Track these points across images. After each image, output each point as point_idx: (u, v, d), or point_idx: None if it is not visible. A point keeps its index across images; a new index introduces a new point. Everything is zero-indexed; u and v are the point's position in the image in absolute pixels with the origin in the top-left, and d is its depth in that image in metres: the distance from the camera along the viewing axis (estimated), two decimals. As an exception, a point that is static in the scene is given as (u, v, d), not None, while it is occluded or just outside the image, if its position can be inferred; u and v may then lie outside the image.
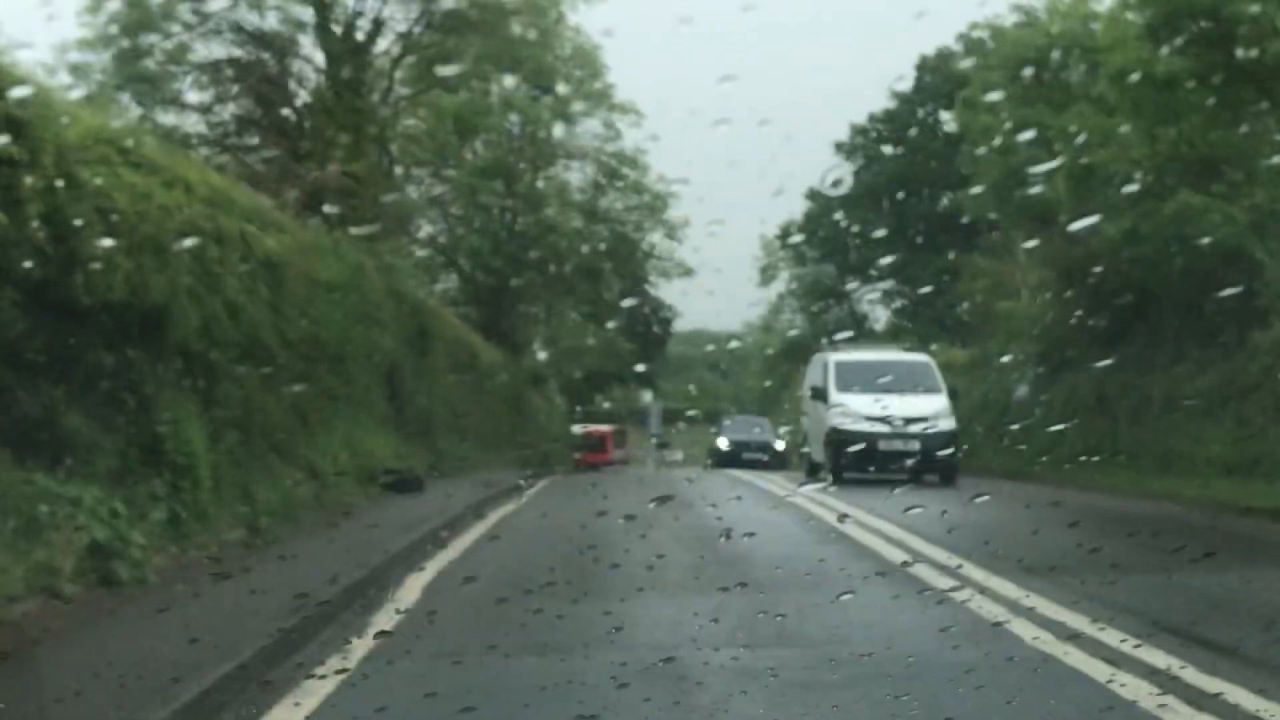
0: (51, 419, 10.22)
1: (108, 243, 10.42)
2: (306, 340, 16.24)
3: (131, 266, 10.75)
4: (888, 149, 71.20)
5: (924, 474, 24.16)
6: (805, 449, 46.62)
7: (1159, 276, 26.45)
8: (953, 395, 26.05)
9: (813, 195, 73.23)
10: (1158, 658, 7.98)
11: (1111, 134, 25.89)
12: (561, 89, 37.79)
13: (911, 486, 22.96)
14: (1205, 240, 21.94)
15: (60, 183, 9.89)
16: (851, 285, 74.58)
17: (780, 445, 46.56)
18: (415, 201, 38.91)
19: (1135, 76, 23.64)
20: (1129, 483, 23.15)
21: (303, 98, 23.97)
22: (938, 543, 13.26)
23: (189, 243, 10.61)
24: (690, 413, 64.78)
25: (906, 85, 68.88)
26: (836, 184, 62.55)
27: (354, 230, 19.58)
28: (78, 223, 9.78)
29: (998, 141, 36.33)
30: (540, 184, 44.77)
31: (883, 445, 23.78)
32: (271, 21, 24.07)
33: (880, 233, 68.35)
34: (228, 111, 23.93)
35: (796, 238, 70.36)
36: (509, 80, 33.09)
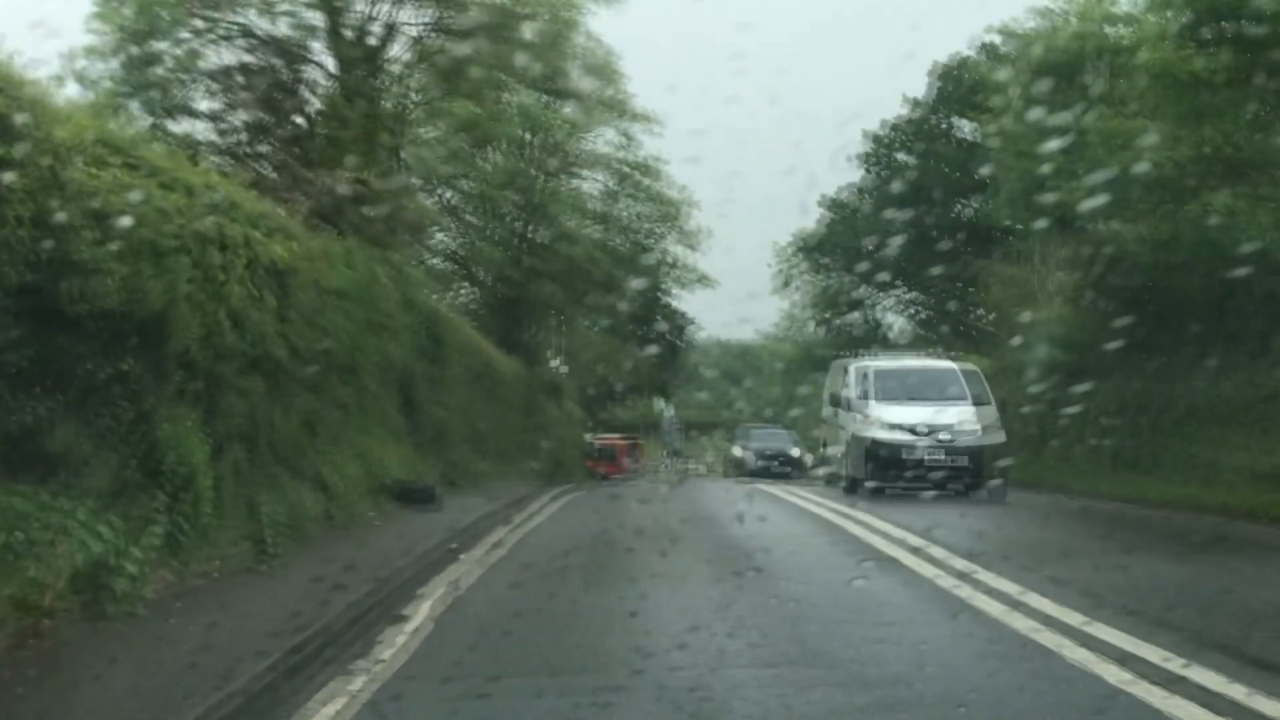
0: (41, 433, 9.70)
1: (112, 246, 9.93)
2: (315, 350, 15.67)
3: (126, 272, 10.21)
4: (904, 157, 70.82)
5: (971, 489, 23.16)
6: (823, 455, 46.28)
7: (1185, 281, 25.81)
8: (984, 403, 24.95)
9: (830, 204, 72.81)
10: (1209, 678, 7.53)
11: (1139, 136, 25.27)
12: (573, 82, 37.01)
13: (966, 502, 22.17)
14: (1247, 246, 21.16)
15: (49, 183, 9.38)
16: (868, 294, 74.13)
17: (800, 454, 45.67)
18: (429, 209, 38.34)
19: (1154, 71, 23.19)
20: (1156, 491, 22.49)
21: (314, 105, 23.44)
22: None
23: (126, 221, 9.86)
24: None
25: (921, 91, 68.54)
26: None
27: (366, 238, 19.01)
28: (62, 221, 9.21)
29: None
30: (556, 193, 44.15)
31: (928, 459, 22.85)
32: (283, 27, 23.58)
33: (897, 241, 67.71)
34: (238, 119, 23.39)
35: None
36: (523, 88, 32.35)
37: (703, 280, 50.03)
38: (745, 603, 10.56)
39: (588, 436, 54.58)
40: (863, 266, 69.46)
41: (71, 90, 21.70)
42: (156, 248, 10.96)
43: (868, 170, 71.11)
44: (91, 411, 10.36)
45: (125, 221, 10.24)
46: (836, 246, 70.76)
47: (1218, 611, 10.11)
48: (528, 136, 43.38)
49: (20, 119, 8.94)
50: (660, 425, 65.10)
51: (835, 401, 25.78)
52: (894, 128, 70.41)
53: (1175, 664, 7.81)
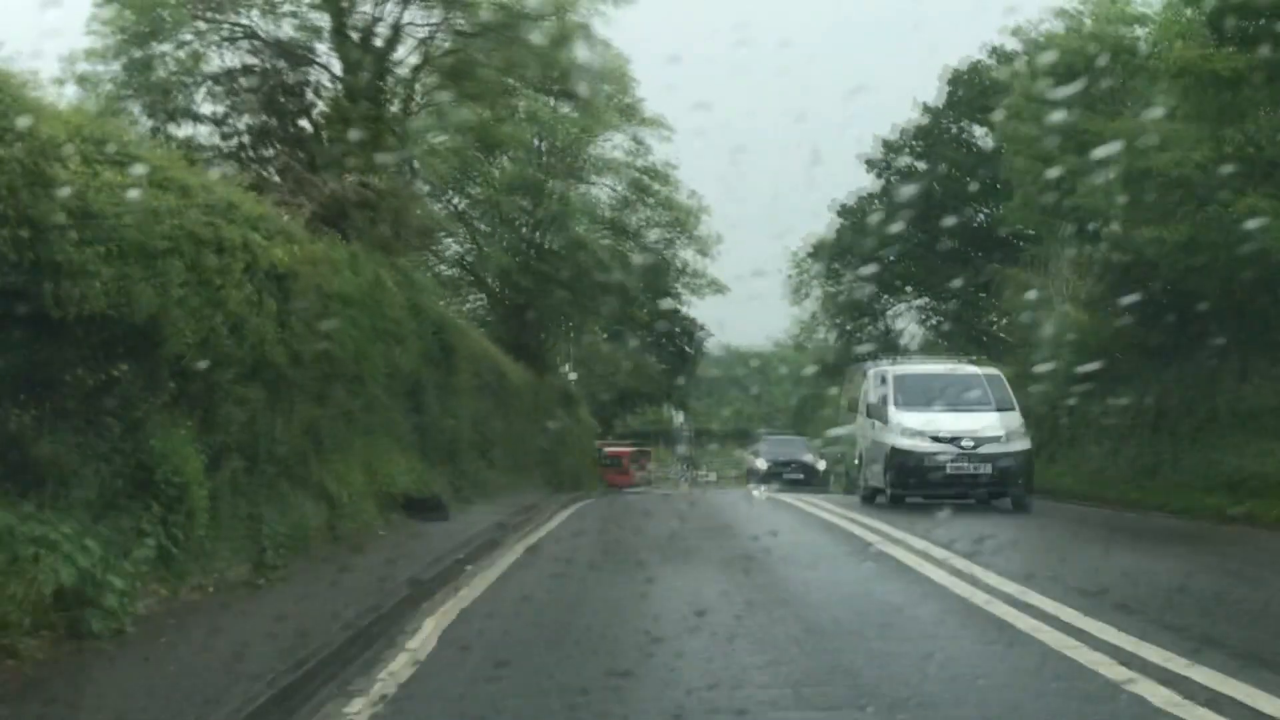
0: (24, 443, 9.13)
1: (100, 248, 9.36)
2: (319, 357, 15.09)
3: (112, 275, 9.63)
4: (919, 164, 70.34)
5: (995, 498, 22.49)
6: (822, 464, 45.73)
7: (1207, 285, 25.16)
8: (1010, 409, 24.02)
9: (844, 211, 72.25)
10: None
11: (1169, 137, 24.69)
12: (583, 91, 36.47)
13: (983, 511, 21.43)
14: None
15: (31, 180, 8.82)
16: (881, 300, 73.57)
17: (819, 464, 44.89)
18: (436, 213, 37.82)
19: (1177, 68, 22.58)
20: (1189, 502, 21.78)
21: (319, 107, 22.88)
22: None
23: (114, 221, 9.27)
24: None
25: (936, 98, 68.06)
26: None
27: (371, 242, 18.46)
28: (46, 220, 8.65)
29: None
30: (568, 200, 43.59)
31: (951, 468, 22.00)
32: (287, 29, 23.04)
33: (909, 247, 67.08)
34: (241, 122, 22.83)
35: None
36: (532, 92, 31.78)
37: (713, 285, 49.36)
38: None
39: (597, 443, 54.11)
40: (874, 271, 69.07)
41: (72, 93, 21.16)
42: (147, 249, 10.37)
43: (878, 175, 70.76)
44: (79, 421, 9.80)
45: (113, 221, 9.71)
46: (849, 253, 70.32)
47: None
48: (537, 143, 42.90)
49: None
50: (674, 434, 64.61)
51: (870, 411, 24.66)
52: (905, 133, 70.06)
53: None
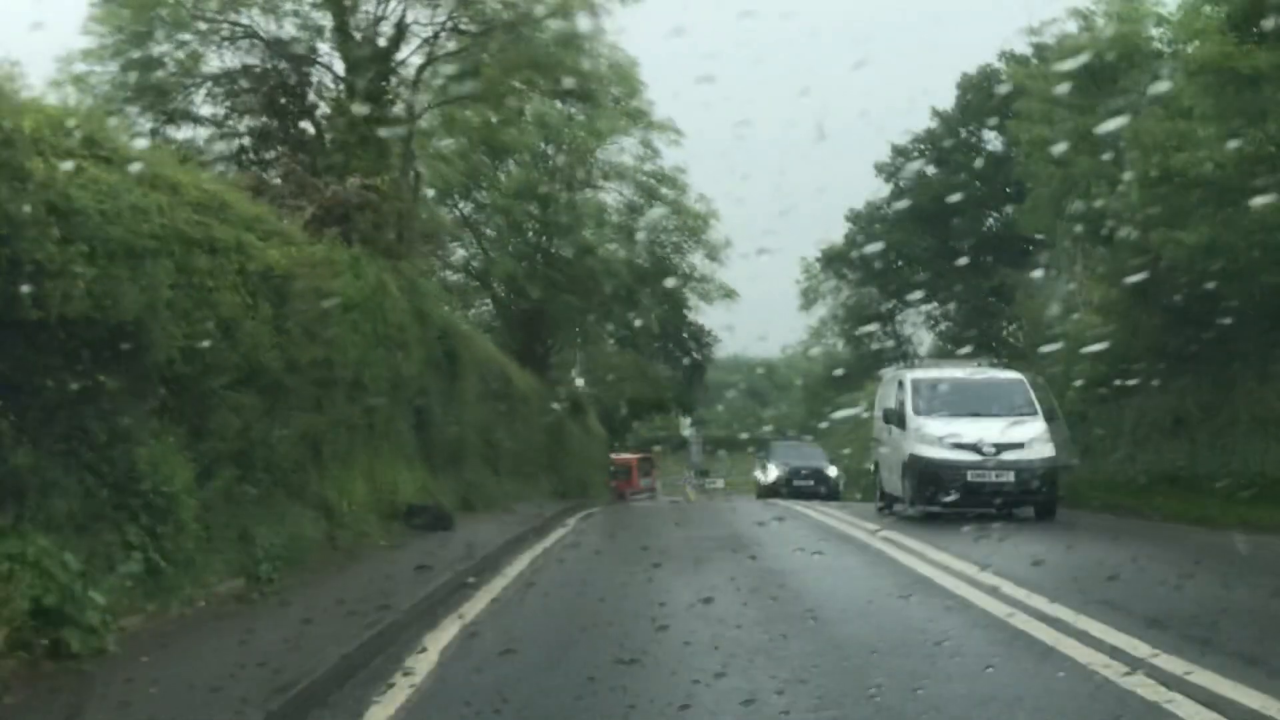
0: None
1: (81, 246, 8.86)
2: (318, 364, 14.60)
3: (95, 275, 9.13)
4: (930, 169, 69.99)
5: (1018, 507, 21.60)
6: (827, 472, 44.94)
7: (1237, 288, 24.60)
8: (1050, 418, 23.21)
9: (854, 217, 71.85)
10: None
11: (1188, 137, 24.17)
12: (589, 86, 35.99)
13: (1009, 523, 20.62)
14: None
15: (7, 175, 8.33)
16: (893, 307, 73.17)
17: (833, 472, 44.02)
18: (443, 218, 37.36)
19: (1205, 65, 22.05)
20: (1220, 512, 21.13)
21: (322, 109, 22.40)
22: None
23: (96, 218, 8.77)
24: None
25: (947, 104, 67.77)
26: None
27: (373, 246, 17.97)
28: (21, 217, 8.16)
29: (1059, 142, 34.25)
30: (576, 205, 43.11)
31: (972, 476, 21.10)
32: (289, 28, 22.54)
33: (921, 253, 66.61)
34: (243, 124, 22.37)
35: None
36: (540, 95, 31.28)
37: (722, 291, 48.75)
38: None
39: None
40: (884, 277, 68.65)
41: (67, 95, 20.62)
42: (133, 249, 9.88)
43: (888, 179, 70.36)
44: (59, 430, 9.30)
45: (97, 219, 9.22)
46: (861, 260, 69.88)
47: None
48: (545, 148, 42.46)
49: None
50: (683, 442, 64.15)
51: (888, 418, 23.72)
52: (917, 139, 69.68)
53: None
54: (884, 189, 70.91)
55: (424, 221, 27.42)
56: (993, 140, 68.76)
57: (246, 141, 22.17)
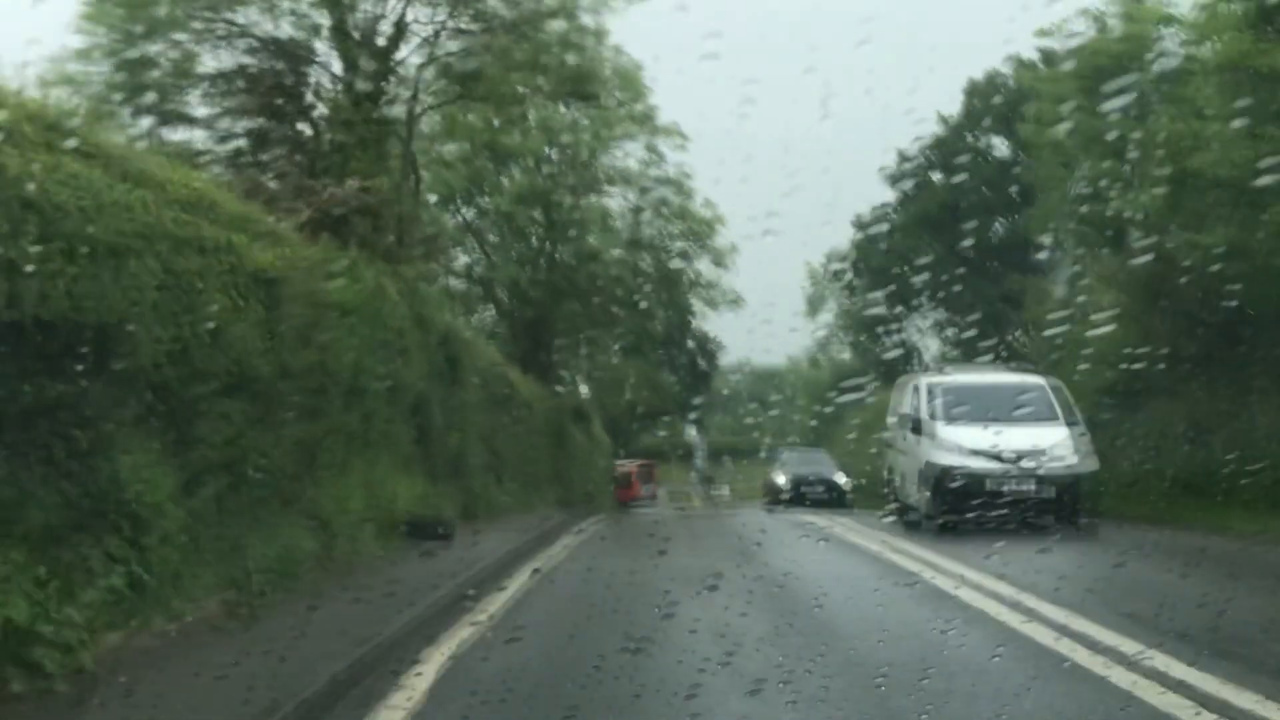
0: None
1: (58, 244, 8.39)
2: (313, 369, 14.10)
3: (75, 274, 8.66)
4: (937, 176, 69.63)
5: (1042, 517, 20.67)
6: (837, 480, 44.20)
7: (1259, 292, 24.08)
8: (1071, 423, 22.26)
9: (860, 224, 71.40)
10: None
11: (1205, 136, 23.66)
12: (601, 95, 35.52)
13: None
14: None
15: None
16: (900, 314, 72.73)
17: (843, 480, 43.29)
18: (443, 220, 36.90)
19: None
20: (1242, 520, 20.58)
21: (320, 110, 21.90)
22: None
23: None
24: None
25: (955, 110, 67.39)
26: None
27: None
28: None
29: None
30: (580, 210, 42.64)
31: (992, 485, 20.29)
32: (285, 27, 22.02)
33: (930, 260, 66.22)
34: (240, 126, 21.88)
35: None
36: (543, 97, 30.81)
37: (729, 297, 48.24)
38: None
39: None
40: (891, 284, 68.18)
41: (59, 95, 20.08)
42: (113, 247, 9.40)
43: (893, 185, 69.92)
44: (36, 437, 8.82)
45: (76, 216, 8.74)
46: (867, 266, 69.45)
47: None
48: (549, 152, 42.01)
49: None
50: (689, 450, 63.71)
51: (905, 423, 22.91)
52: (924, 145, 69.26)
53: None
54: (889, 195, 70.39)
55: (425, 225, 26.93)
56: (1000, 146, 68.49)
57: (243, 143, 21.64)
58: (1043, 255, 48.45)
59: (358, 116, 21.02)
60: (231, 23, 21.68)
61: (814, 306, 76.41)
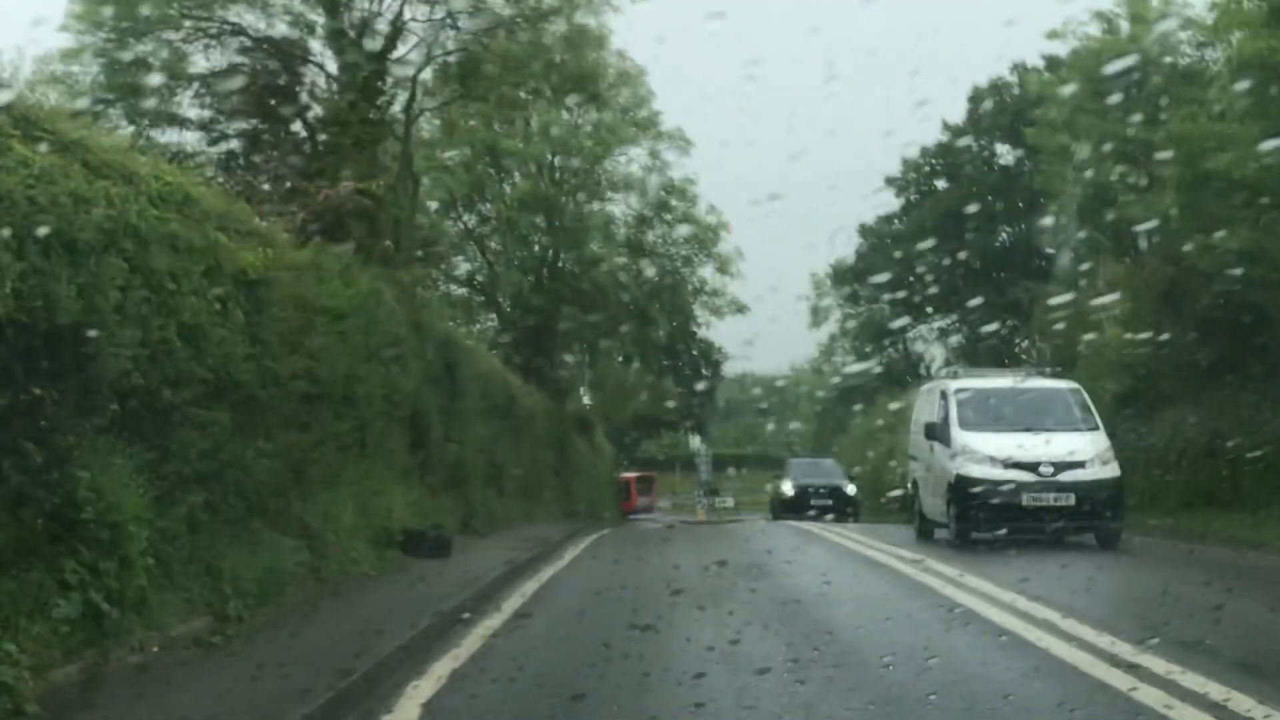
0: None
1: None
2: (301, 377, 13.35)
3: (22, 271, 7.89)
4: (941, 183, 69.08)
5: (1077, 533, 19.55)
6: (845, 489, 43.24)
7: (1276, 298, 23.33)
8: (1094, 427, 20.77)
9: (864, 231, 70.71)
10: None
11: (1228, 138, 22.94)
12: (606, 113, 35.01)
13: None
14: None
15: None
16: (905, 323, 72.08)
17: (851, 489, 42.30)
18: (441, 223, 36.16)
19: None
20: (1275, 535, 19.71)
21: (315, 110, 21.17)
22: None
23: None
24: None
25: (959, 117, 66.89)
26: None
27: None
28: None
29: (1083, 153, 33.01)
30: (583, 217, 41.94)
31: (1026, 498, 18.92)
32: (280, 27, 21.31)
33: (933, 268, 65.61)
34: (232, 127, 21.15)
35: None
36: (544, 99, 30.12)
37: (733, 305, 47.50)
38: None
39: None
40: (895, 291, 67.54)
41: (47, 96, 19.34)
42: (74, 243, 8.65)
43: (898, 193, 69.30)
44: (-15, 452, 8.07)
45: (25, 207, 7.98)
46: (871, 275, 68.78)
47: None
48: (551, 158, 41.31)
49: None
50: (692, 460, 63.08)
51: (929, 433, 21.43)
52: (928, 153, 68.65)
53: None
54: (894, 203, 69.83)
55: (423, 228, 26.19)
56: (1005, 153, 67.93)
57: (235, 145, 20.92)
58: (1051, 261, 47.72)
59: (353, 117, 20.27)
60: (224, 21, 20.94)
61: (818, 317, 75.78)
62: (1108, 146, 32.55)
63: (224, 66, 21.13)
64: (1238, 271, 22.91)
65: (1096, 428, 20.56)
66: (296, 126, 21.56)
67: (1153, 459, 28.16)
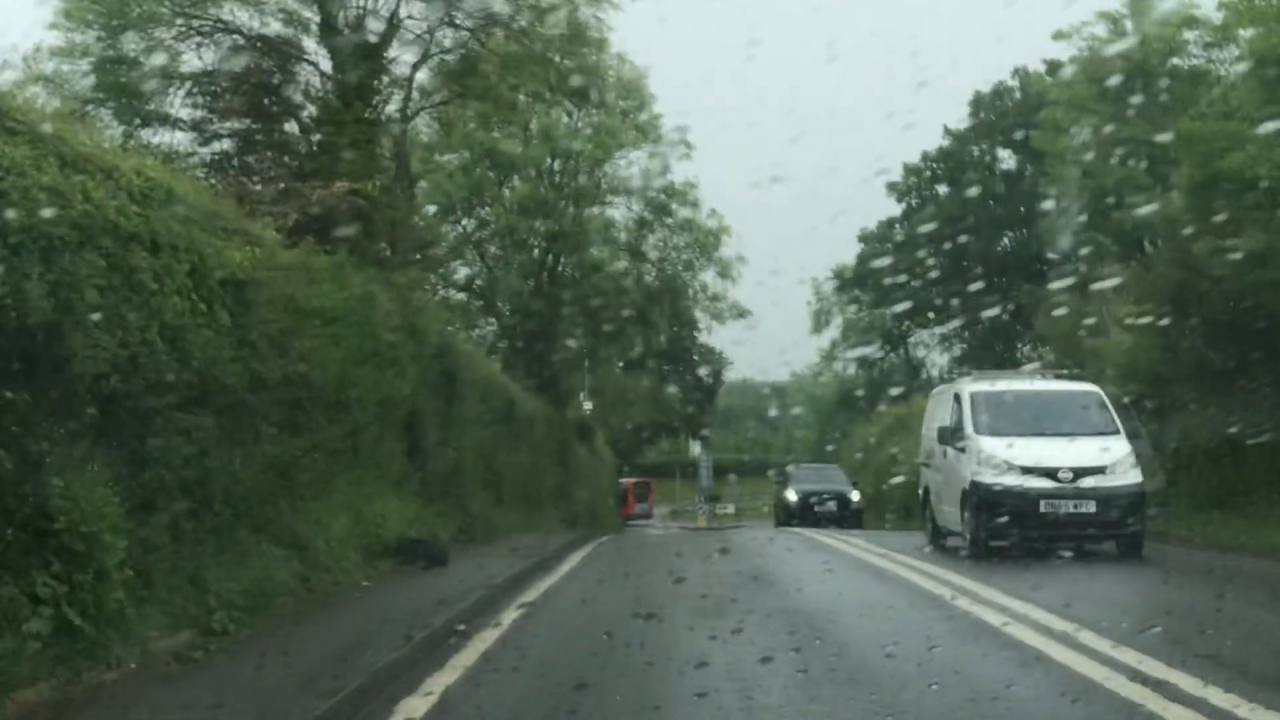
0: None
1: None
2: (290, 381, 12.91)
3: (-8, 268, 7.48)
4: (943, 189, 68.90)
5: (1098, 541, 18.89)
6: (849, 496, 42.64)
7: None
8: (1133, 435, 20.32)
9: (865, 238, 70.41)
10: None
11: (1241, 137, 22.51)
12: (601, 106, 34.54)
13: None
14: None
15: None
16: (906, 329, 71.85)
17: (856, 496, 41.70)
18: (438, 225, 35.73)
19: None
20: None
21: (308, 110, 20.73)
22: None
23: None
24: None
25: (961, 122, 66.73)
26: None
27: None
28: None
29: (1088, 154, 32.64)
30: (583, 221, 41.53)
31: (1045, 506, 18.18)
32: (272, 24, 20.88)
33: (935, 274, 65.38)
34: (225, 128, 20.71)
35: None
36: (543, 100, 29.70)
37: (735, 310, 47.07)
38: None
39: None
40: (897, 297, 67.24)
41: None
42: (48, 240, 8.22)
43: (899, 198, 69.04)
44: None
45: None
46: (872, 280, 68.52)
47: None
48: (551, 162, 40.92)
49: None
50: (694, 467, 62.74)
51: (943, 437, 20.68)
52: (929, 158, 68.39)
53: None
54: (895, 208, 69.62)
55: (420, 230, 25.74)
56: (1007, 159, 67.75)
57: (227, 146, 20.48)
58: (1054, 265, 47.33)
59: (348, 116, 19.82)
60: (216, 19, 20.51)
61: (819, 322, 75.59)
62: (1110, 129, 32.16)
63: (216, 65, 20.65)
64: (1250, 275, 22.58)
65: (1118, 432, 19.85)
66: (290, 126, 21.09)
67: (1164, 463, 27.77)
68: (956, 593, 13.61)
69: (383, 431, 17.36)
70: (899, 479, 36.29)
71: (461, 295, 42.17)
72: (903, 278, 66.45)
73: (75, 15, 20.59)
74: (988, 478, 18.79)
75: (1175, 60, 32.20)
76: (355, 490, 15.55)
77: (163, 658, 9.03)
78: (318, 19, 20.90)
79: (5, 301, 7.67)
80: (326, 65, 21.03)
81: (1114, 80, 32.37)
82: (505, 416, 27.95)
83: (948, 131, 67.93)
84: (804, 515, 38.91)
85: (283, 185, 19.21)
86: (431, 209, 36.77)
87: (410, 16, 21.68)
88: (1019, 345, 61.59)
